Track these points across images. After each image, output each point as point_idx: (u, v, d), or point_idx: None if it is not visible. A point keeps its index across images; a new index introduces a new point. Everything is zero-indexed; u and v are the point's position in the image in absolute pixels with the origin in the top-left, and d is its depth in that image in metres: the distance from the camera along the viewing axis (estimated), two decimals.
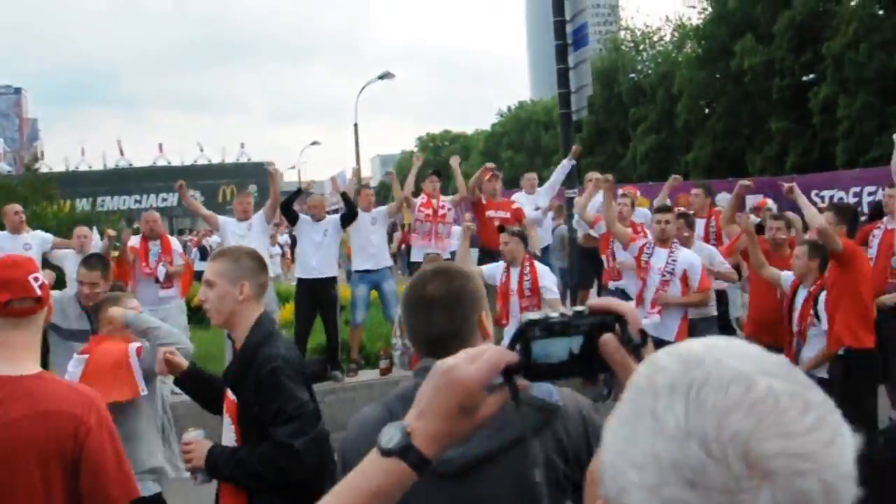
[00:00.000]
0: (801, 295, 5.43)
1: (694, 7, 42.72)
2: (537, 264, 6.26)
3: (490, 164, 9.30)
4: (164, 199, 52.09)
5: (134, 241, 8.25)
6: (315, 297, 7.89)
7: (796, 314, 5.46)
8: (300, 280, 8.11)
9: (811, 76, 34.50)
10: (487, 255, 8.21)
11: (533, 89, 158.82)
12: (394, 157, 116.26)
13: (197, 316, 8.39)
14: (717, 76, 39.98)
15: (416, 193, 9.25)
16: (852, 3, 32.97)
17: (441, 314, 1.72)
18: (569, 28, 10.83)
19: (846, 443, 0.66)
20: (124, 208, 54.40)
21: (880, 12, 31.84)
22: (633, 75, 47.83)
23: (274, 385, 2.56)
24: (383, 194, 27.78)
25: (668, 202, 8.60)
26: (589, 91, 10.81)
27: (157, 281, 7.88)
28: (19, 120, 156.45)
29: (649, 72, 47.29)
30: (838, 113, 33.01)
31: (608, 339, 0.96)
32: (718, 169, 36.70)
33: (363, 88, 32.99)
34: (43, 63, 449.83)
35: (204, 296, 2.74)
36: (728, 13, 39.13)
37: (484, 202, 8.82)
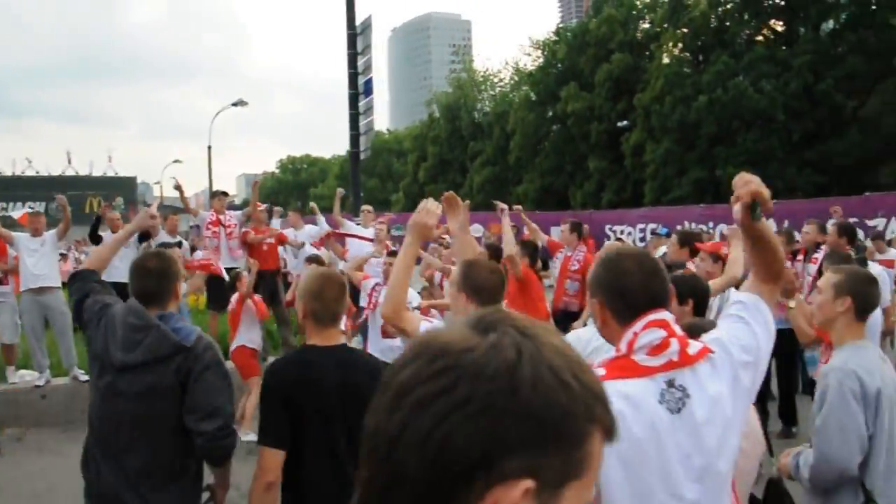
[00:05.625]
0: None
1: (529, 55, 46.47)
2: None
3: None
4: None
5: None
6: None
7: None
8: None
9: (624, 122, 38.32)
10: None
11: (391, 120, 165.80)
12: (256, 177, 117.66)
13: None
14: (546, 117, 43.52)
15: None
16: (664, 62, 37.06)
17: (150, 280, 2.86)
18: (360, 79, 12.77)
19: None
20: None
21: (686, 70, 35.98)
22: (474, 113, 50.93)
23: None
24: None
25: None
26: (373, 134, 12.78)
27: None
28: None
29: (487, 110, 50.55)
30: (646, 157, 36.90)
31: None
32: (546, 202, 40.07)
33: (217, 114, 34.33)
34: None
35: None
36: (556, 62, 42.83)
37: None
